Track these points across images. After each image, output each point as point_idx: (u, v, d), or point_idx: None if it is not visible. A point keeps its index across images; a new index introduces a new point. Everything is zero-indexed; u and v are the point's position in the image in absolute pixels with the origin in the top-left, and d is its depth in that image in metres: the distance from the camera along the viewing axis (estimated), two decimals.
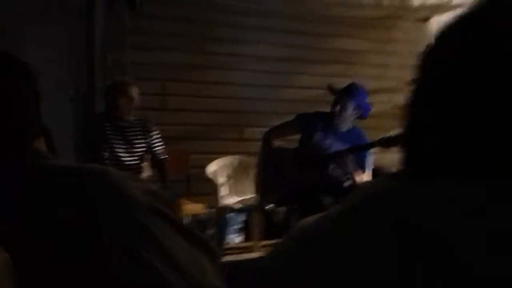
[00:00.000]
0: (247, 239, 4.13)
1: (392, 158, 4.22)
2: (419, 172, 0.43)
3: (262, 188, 3.46)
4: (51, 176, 0.85)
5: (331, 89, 3.35)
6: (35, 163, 0.87)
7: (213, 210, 3.85)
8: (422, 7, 4.39)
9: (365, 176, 3.23)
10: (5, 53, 0.96)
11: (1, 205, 0.82)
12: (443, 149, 0.42)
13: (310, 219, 0.52)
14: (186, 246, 0.87)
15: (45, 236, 0.81)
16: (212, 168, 3.97)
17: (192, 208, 3.66)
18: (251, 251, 3.96)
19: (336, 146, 3.27)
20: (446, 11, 4.44)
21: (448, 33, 0.45)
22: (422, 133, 0.44)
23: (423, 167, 0.43)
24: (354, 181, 3.15)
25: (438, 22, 4.78)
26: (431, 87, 0.44)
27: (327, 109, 3.36)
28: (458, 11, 0.46)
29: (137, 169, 3.19)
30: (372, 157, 3.31)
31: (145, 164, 3.28)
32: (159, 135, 3.28)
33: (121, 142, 3.10)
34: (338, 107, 3.23)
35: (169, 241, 0.84)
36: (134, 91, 3.07)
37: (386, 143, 3.03)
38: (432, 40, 0.46)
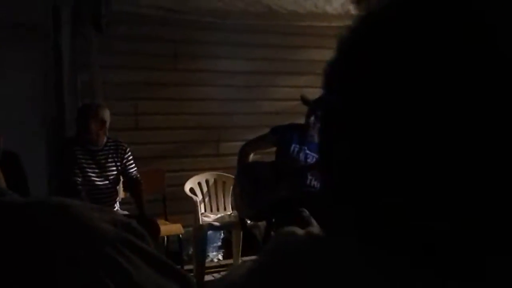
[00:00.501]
0: (227, 256, 4.09)
1: None
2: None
3: (240, 203, 3.44)
4: (7, 214, 0.82)
5: (304, 100, 3.37)
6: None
7: (191, 229, 3.79)
8: None
9: None
10: None
11: None
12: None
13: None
14: (157, 277, 0.84)
15: (8, 274, 0.77)
16: (188, 185, 3.93)
17: (170, 228, 3.60)
18: None
19: (312, 157, 3.28)
20: None
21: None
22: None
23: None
24: None
25: None
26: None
27: (301, 119, 3.36)
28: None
29: (111, 192, 3.13)
30: None
31: (119, 187, 3.22)
32: (131, 157, 3.23)
33: (93, 166, 3.04)
34: (312, 119, 3.24)
35: (141, 275, 0.82)
36: (106, 114, 3.02)
37: None
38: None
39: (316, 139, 3.27)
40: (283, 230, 0.47)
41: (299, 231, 0.45)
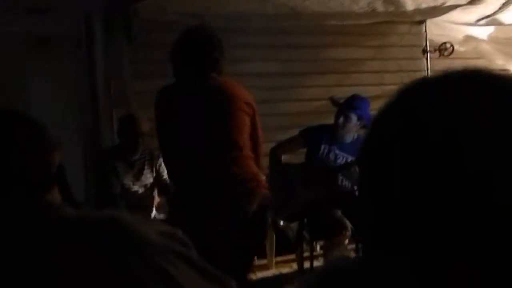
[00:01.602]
0: (261, 257, 4.13)
1: None
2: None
3: (273, 205, 3.48)
4: (66, 230, 0.88)
5: (333, 101, 3.38)
6: (49, 217, 0.90)
7: None
8: (416, 11, 4.41)
9: None
10: (12, 112, 0.99)
11: (18, 262, 0.85)
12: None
13: None
14: (202, 282, 0.90)
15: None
16: None
17: None
18: (267, 269, 3.98)
19: (342, 157, 3.29)
20: (441, 14, 4.47)
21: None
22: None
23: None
24: None
25: (434, 23, 4.80)
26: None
27: (330, 119, 3.38)
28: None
29: (148, 198, 3.21)
30: None
31: (155, 193, 3.30)
32: (163, 163, 3.30)
33: (131, 175, 3.12)
34: (341, 119, 3.26)
35: (188, 281, 0.87)
36: (144, 126, 3.09)
37: None
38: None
39: (346, 139, 3.29)
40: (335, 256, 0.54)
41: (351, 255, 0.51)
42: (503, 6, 4.09)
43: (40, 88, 3.96)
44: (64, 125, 3.84)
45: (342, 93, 3.46)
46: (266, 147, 3.77)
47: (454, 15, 4.44)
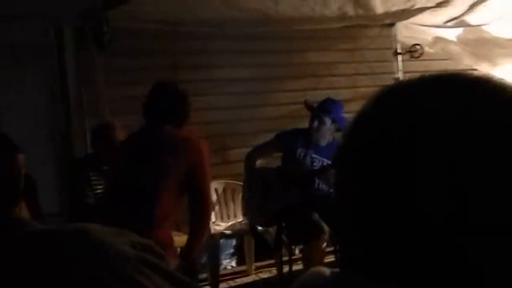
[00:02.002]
0: (240, 263, 4.13)
1: None
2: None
3: (249, 210, 3.48)
4: (32, 244, 0.86)
5: (307, 105, 3.41)
6: (15, 232, 0.88)
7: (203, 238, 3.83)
8: (386, 14, 4.48)
9: None
10: None
11: None
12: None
13: None
14: None
15: None
16: None
17: (183, 239, 3.64)
18: (246, 275, 3.97)
19: (318, 161, 3.32)
20: (410, 16, 4.55)
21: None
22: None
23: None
24: None
25: (404, 26, 4.89)
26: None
27: (305, 123, 3.41)
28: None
29: None
30: None
31: None
32: None
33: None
34: (315, 123, 3.29)
35: None
36: (119, 134, 3.05)
37: None
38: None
39: (321, 142, 3.32)
40: (310, 271, 0.52)
41: (326, 271, 0.50)
42: (471, 7, 4.19)
43: (10, 97, 3.87)
44: (35, 135, 3.77)
45: (316, 96, 3.49)
46: (241, 152, 3.78)
47: (423, 17, 4.53)
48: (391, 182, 0.41)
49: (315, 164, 3.31)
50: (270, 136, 3.54)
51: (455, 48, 4.94)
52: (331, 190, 3.28)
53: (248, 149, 3.54)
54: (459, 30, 4.77)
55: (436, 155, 0.40)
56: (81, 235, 0.86)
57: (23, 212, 0.95)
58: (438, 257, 0.39)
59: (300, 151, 3.34)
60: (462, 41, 4.83)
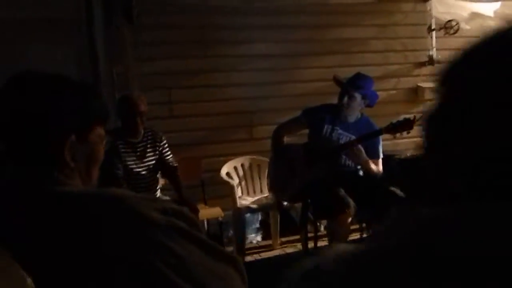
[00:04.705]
0: (266, 237, 4.15)
1: (401, 144, 4.20)
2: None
3: (275, 186, 3.48)
4: (68, 203, 0.88)
5: (336, 81, 3.34)
6: (55, 190, 0.89)
7: (230, 212, 3.87)
8: None
9: (378, 163, 3.22)
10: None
11: (21, 230, 0.85)
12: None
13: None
14: (208, 260, 0.89)
15: (65, 261, 0.83)
16: (225, 170, 4.00)
17: (209, 212, 3.69)
18: (272, 249, 4.00)
19: (346, 137, 3.27)
20: None
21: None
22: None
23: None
24: (368, 170, 3.14)
25: (439, 1, 4.72)
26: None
27: (333, 100, 3.35)
28: None
29: (152, 180, 3.22)
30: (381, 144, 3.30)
31: (158, 175, 3.30)
32: (167, 145, 3.31)
33: (134, 157, 3.12)
34: (345, 99, 3.22)
35: (191, 257, 0.86)
36: (144, 106, 3.08)
37: (393, 129, 3.03)
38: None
39: (349, 118, 3.26)
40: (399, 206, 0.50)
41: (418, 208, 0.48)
42: None
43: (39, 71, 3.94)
44: None
45: (346, 73, 3.43)
46: (268, 129, 3.76)
47: None
48: None
49: (341, 140, 3.26)
50: (297, 113, 3.50)
51: (492, 24, 4.74)
52: (358, 166, 3.23)
53: (275, 126, 3.52)
54: (497, 5, 4.58)
55: None
56: (115, 200, 0.88)
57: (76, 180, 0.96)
58: None
59: (327, 127, 3.29)
60: (500, 16, 4.64)
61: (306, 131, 3.43)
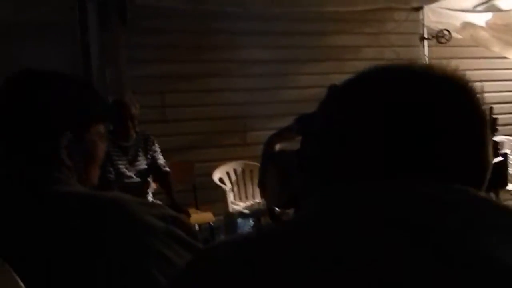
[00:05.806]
0: None
1: None
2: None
3: (267, 192, 3.47)
4: (67, 204, 0.87)
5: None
6: (51, 190, 0.88)
7: (221, 217, 3.86)
8: None
9: None
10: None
11: (17, 231, 0.84)
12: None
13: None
14: None
15: (60, 263, 0.82)
16: (217, 175, 3.99)
17: (201, 217, 3.68)
18: None
19: None
20: (438, 0, 4.45)
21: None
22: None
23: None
24: None
25: (431, 10, 4.77)
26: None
27: None
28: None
29: (143, 184, 3.20)
30: None
31: (150, 179, 3.29)
32: (159, 149, 3.30)
33: (125, 161, 3.11)
34: None
35: None
36: (136, 109, 3.07)
37: None
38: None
39: None
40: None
41: None
42: None
43: None
44: None
45: (339, 80, 3.43)
46: (261, 135, 3.76)
47: (452, 1, 4.42)
48: None
49: None
50: (290, 119, 3.51)
51: (483, 34, 4.80)
52: None
53: (268, 132, 3.52)
54: (489, 15, 4.63)
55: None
56: (116, 204, 0.87)
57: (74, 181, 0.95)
58: None
59: None
60: (491, 27, 4.70)
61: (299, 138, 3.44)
